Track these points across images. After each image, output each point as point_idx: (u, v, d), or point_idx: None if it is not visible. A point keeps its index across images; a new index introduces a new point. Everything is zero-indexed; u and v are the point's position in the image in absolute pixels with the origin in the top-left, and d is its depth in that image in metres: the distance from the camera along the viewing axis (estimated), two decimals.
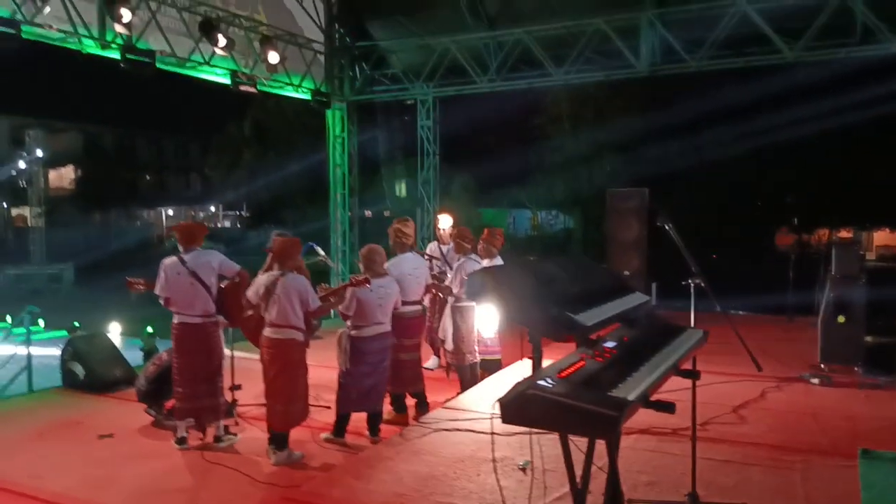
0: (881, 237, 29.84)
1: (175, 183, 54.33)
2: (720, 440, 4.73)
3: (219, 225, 52.29)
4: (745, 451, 4.62)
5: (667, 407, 2.35)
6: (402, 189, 14.14)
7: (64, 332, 12.35)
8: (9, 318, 11.97)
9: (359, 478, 4.28)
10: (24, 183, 31.98)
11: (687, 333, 3.03)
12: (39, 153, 30.76)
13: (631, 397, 2.10)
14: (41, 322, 19.29)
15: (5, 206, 46.73)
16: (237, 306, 5.48)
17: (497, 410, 4.88)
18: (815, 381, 6.41)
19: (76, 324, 12.57)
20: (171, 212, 51.72)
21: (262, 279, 5.18)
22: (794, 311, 9.69)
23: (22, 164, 31.73)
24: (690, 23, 9.86)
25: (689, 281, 5.57)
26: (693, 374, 2.93)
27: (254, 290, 5.16)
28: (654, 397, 2.31)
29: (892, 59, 9.68)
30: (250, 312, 5.29)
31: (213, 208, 53.03)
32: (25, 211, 37.97)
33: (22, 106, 41.76)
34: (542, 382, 2.11)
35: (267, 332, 5.09)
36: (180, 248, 5.54)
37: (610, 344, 2.62)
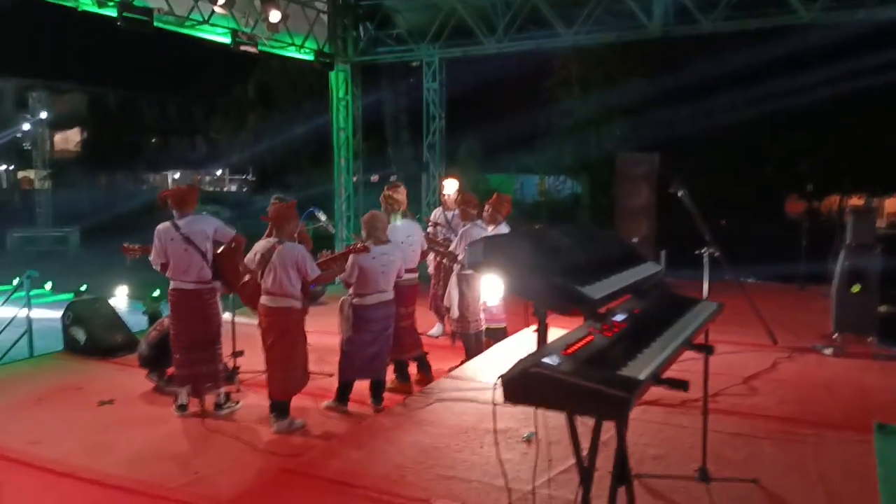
0: (893, 203, 29.46)
1: (180, 146, 54.01)
2: (730, 412, 4.62)
3: (225, 189, 52.11)
4: (756, 424, 4.50)
5: (680, 385, 2.22)
6: (407, 154, 13.92)
7: (71, 295, 12.33)
8: (15, 282, 11.88)
9: (359, 448, 4.19)
10: (29, 145, 31.81)
11: (700, 306, 2.88)
12: (44, 115, 30.55)
13: (642, 376, 1.96)
14: (48, 285, 19.36)
15: (11, 168, 46.67)
16: (234, 272, 5.36)
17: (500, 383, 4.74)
18: (828, 351, 6.28)
19: (83, 287, 12.53)
20: (177, 175, 51.51)
21: (259, 245, 5.06)
22: (806, 280, 9.53)
23: (26, 126, 31.50)
24: None
25: (703, 251, 5.38)
26: (707, 349, 2.79)
27: (251, 257, 5.05)
28: (666, 373, 2.18)
29: None
30: (248, 278, 5.18)
31: (218, 172, 52.78)
32: (31, 174, 37.87)
33: (26, 67, 41.44)
34: (546, 360, 1.98)
35: (263, 299, 4.97)
36: (174, 214, 5.41)
37: (619, 317, 2.47)
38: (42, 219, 31.20)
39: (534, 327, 2.57)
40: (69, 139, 47.89)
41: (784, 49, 17.84)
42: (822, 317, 7.20)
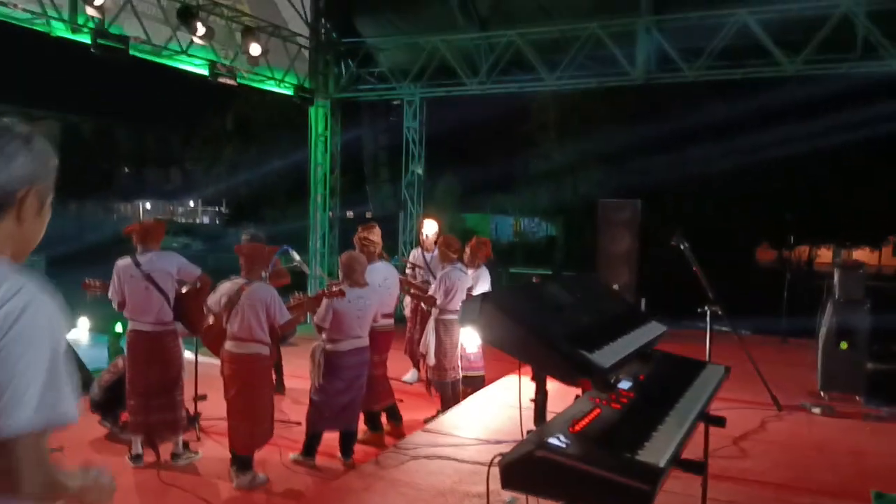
0: (861, 256, 29.90)
1: (154, 176, 53.38)
2: (723, 477, 4.36)
3: (197, 220, 51.48)
4: (751, 491, 4.25)
5: (697, 468, 1.97)
6: (385, 192, 13.71)
7: None
8: None
9: None
10: None
11: (708, 371, 2.65)
12: None
13: (663, 462, 1.71)
14: None
15: None
16: (198, 314, 5.03)
17: (482, 436, 4.44)
18: (817, 410, 6.07)
19: None
20: (148, 205, 50.86)
21: (224, 287, 4.72)
22: (788, 333, 9.39)
23: None
24: (688, 31, 9.56)
25: (706, 307, 5.17)
26: (720, 421, 2.54)
27: (215, 299, 4.69)
28: None
29: (891, 77, 9.47)
30: (212, 321, 4.83)
31: (192, 203, 52.20)
32: None
33: (2, 92, 40.84)
34: (553, 441, 1.71)
35: (228, 345, 4.63)
36: (137, 249, 5.08)
37: (625, 385, 2.23)
38: None
39: (514, 378, 2.31)
40: None
41: (762, 100, 18.14)
42: (807, 372, 7.02)
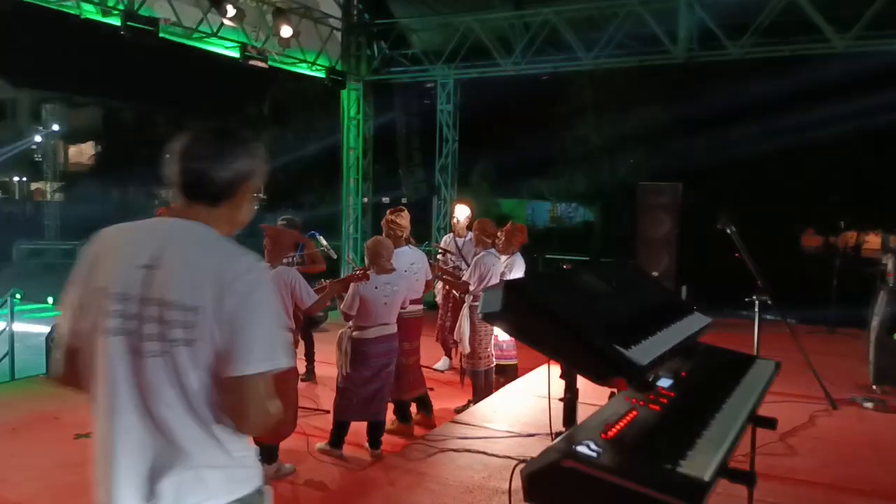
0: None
1: None
2: (769, 475, 4.10)
3: None
4: (799, 492, 4.00)
5: (746, 478, 1.76)
6: (418, 176, 13.57)
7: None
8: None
9: None
10: (40, 157, 31.76)
11: (757, 367, 2.42)
12: (56, 127, 30.53)
13: (708, 476, 1.50)
14: (50, 300, 19.02)
15: (24, 179, 46.71)
16: None
17: (514, 429, 4.23)
18: (869, 405, 5.75)
19: None
20: None
21: None
22: (836, 323, 9.00)
23: (38, 138, 31.50)
24: (732, 7, 9.17)
25: (754, 297, 4.89)
26: (771, 423, 2.32)
27: None
28: None
29: None
30: None
31: None
32: (44, 185, 37.88)
33: (43, 79, 41.63)
34: (582, 449, 1.52)
35: None
36: None
37: (665, 383, 2.02)
38: (50, 231, 31.04)
39: (551, 369, 2.12)
40: (83, 152, 47.94)
41: (807, 79, 17.45)
42: (857, 364, 6.67)
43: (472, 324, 6.02)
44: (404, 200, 16.85)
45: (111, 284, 1.67)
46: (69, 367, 1.79)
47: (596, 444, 1.55)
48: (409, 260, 5.65)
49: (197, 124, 1.88)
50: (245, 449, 1.76)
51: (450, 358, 7.46)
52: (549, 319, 1.76)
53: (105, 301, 1.66)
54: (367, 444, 5.05)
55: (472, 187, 25.12)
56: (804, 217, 22.05)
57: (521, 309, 1.79)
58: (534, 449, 3.92)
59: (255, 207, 1.90)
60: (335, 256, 6.53)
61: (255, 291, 1.64)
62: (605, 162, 25.12)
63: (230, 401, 1.64)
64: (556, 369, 2.31)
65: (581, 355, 1.74)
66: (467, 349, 6.06)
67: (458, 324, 6.43)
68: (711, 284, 9.29)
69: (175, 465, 1.65)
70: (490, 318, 1.83)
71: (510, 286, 1.85)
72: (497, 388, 6.17)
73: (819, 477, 4.29)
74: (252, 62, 9.39)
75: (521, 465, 1.56)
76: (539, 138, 25.18)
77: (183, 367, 1.62)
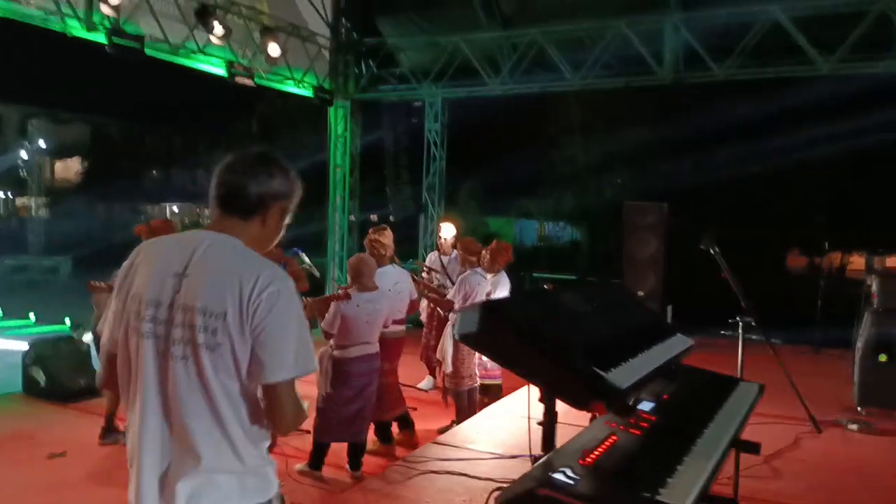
0: (894, 262, 28.97)
1: (180, 178, 53.73)
2: (754, 499, 4.04)
3: None
4: None
5: None
6: (405, 194, 13.54)
7: (54, 328, 11.77)
8: None
9: None
10: (25, 172, 31.53)
11: (740, 389, 2.38)
12: (42, 143, 30.35)
13: (688, 503, 1.45)
14: (32, 316, 18.74)
15: (10, 195, 46.33)
16: None
17: (497, 450, 4.17)
18: (854, 426, 5.71)
19: (67, 319, 11.96)
20: (175, 208, 51.14)
21: None
22: (821, 344, 9.00)
23: (24, 154, 31.28)
24: (718, 29, 9.24)
25: (737, 318, 4.86)
26: (754, 448, 2.27)
27: None
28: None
29: None
30: None
31: None
32: (29, 200, 37.57)
33: (30, 95, 41.36)
34: (559, 476, 1.47)
35: None
36: None
37: (646, 406, 1.97)
38: (34, 247, 30.73)
39: (528, 391, 2.08)
40: (69, 168, 47.64)
41: (792, 101, 17.62)
42: (842, 385, 6.66)
43: (456, 343, 5.95)
44: (391, 218, 16.83)
45: (146, 291, 1.80)
46: (109, 371, 1.92)
47: (573, 472, 1.50)
48: (393, 279, 5.60)
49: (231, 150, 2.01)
50: (261, 458, 1.84)
51: (434, 377, 7.38)
52: (527, 341, 1.72)
53: (140, 307, 1.80)
54: (347, 466, 4.97)
55: (460, 206, 25.12)
56: (789, 238, 22.16)
57: (499, 330, 1.74)
58: (515, 471, 3.85)
59: (282, 230, 2.01)
60: (318, 275, 6.46)
61: (278, 302, 1.75)
62: (592, 181, 25.24)
63: (266, 405, 1.79)
64: (536, 391, 2.27)
65: (559, 378, 1.69)
66: (449, 368, 5.99)
67: (440, 342, 6.37)
68: (697, 305, 9.28)
69: (190, 467, 1.74)
70: (467, 340, 1.78)
71: (487, 307, 1.81)
72: (481, 408, 6.09)
73: (805, 501, 4.24)
74: (239, 80, 9.35)
75: (497, 493, 1.51)
76: (527, 157, 25.26)
77: (205, 371, 1.73)
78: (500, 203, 29.18)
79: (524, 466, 4.67)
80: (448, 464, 4.55)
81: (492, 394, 6.36)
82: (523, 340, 1.71)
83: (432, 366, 7.27)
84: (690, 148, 21.00)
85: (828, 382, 6.94)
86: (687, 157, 21.43)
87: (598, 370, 1.71)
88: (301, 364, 1.78)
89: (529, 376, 1.77)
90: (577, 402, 1.69)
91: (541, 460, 1.65)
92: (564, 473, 1.48)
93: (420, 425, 5.84)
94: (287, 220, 2.00)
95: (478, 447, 5.01)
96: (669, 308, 8.87)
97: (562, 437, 1.92)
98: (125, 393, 1.85)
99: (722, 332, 7.64)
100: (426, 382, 7.49)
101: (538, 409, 2.01)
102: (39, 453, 5.30)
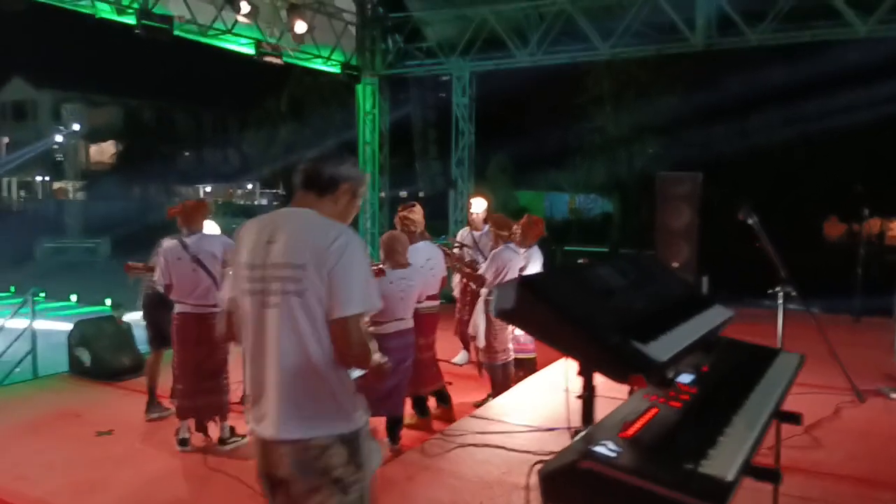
0: None
1: (213, 159, 54.24)
2: (795, 469, 4.02)
3: (255, 202, 52.20)
4: (826, 486, 3.92)
5: (772, 476, 1.70)
6: (435, 170, 13.51)
7: (95, 308, 12.05)
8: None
9: None
10: (62, 156, 32.07)
11: (781, 360, 2.36)
12: (76, 127, 30.83)
13: (731, 475, 1.45)
14: (73, 297, 19.19)
15: (48, 178, 47.27)
16: None
17: (533, 423, 4.18)
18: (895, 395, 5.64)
19: (108, 300, 12.23)
20: (208, 188, 51.73)
21: None
22: (861, 312, 8.84)
23: (59, 138, 31.80)
24: None
25: (777, 289, 4.79)
26: (795, 419, 2.26)
27: None
28: None
29: None
30: None
31: (249, 185, 52.88)
32: (66, 184, 38.27)
33: (63, 80, 41.96)
34: (600, 449, 1.48)
35: None
36: (182, 231, 5.03)
37: (686, 379, 1.97)
38: (73, 229, 31.37)
39: (567, 364, 2.09)
40: (104, 151, 48.39)
41: (828, 64, 17.13)
42: (883, 354, 6.54)
43: (488, 318, 5.96)
44: (420, 194, 16.81)
45: (247, 258, 2.26)
46: (228, 326, 2.39)
47: (615, 444, 1.51)
48: (425, 255, 5.61)
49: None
50: (346, 394, 2.24)
51: (468, 352, 7.42)
52: (564, 316, 1.72)
53: (243, 272, 2.27)
54: (385, 439, 5.03)
55: (489, 180, 25.02)
56: (826, 205, 21.71)
57: (536, 306, 1.74)
58: (553, 444, 3.89)
59: (355, 211, 2.45)
60: None
61: (346, 252, 2.16)
62: (622, 152, 24.93)
63: (337, 338, 2.16)
64: (574, 364, 2.27)
65: (598, 352, 1.69)
66: (482, 343, 6.01)
67: (473, 318, 6.39)
68: (733, 275, 9.17)
69: (283, 396, 2.17)
70: (503, 316, 1.78)
71: (524, 283, 1.81)
72: (516, 382, 6.12)
73: (846, 470, 4.20)
74: (267, 59, 9.39)
75: (539, 465, 1.52)
76: (556, 129, 25.02)
77: (295, 313, 2.15)
78: (530, 176, 29.00)
79: (561, 439, 4.70)
80: (485, 437, 4.60)
81: (526, 367, 6.37)
82: (561, 315, 1.71)
83: (466, 341, 7.30)
84: (723, 116, 20.62)
85: (868, 351, 6.82)
86: (719, 125, 21.04)
87: (636, 343, 1.70)
88: (366, 301, 2.19)
89: (568, 351, 1.77)
90: (616, 376, 1.69)
91: (581, 433, 1.66)
92: (606, 446, 1.49)
93: (456, 399, 5.88)
94: (357, 203, 2.43)
95: (514, 420, 5.05)
96: (705, 279, 8.76)
97: (601, 410, 1.93)
98: (244, 341, 2.30)
99: (763, 302, 7.55)
100: (461, 357, 7.53)
101: (575, 382, 2.02)
102: (87, 431, 5.45)
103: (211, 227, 5.59)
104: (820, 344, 5.57)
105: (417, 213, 5.67)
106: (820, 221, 23.61)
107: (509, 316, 1.77)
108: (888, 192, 20.51)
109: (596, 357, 1.71)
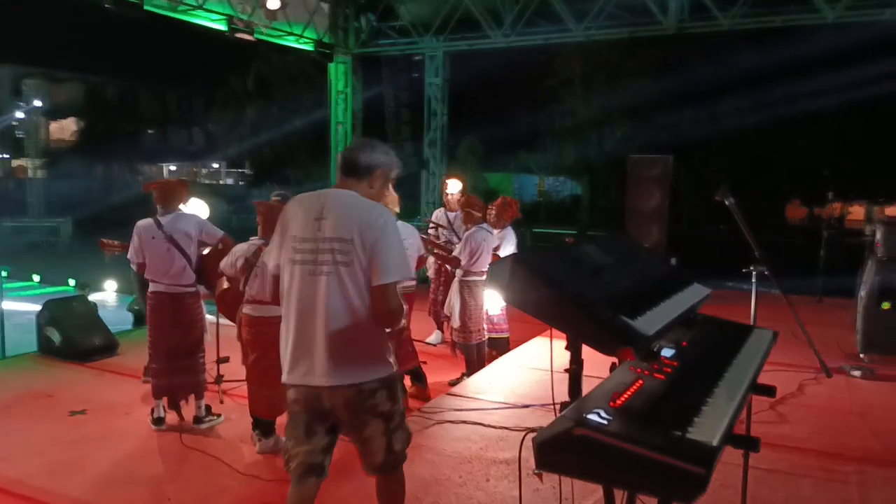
0: (893, 211, 28.91)
1: (178, 137, 53.36)
2: (763, 443, 4.16)
3: (221, 182, 51.49)
4: (792, 459, 4.07)
5: (751, 444, 1.79)
6: (407, 150, 13.48)
7: (57, 289, 11.84)
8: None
9: (349, 480, 3.74)
10: (23, 134, 31.23)
11: (755, 336, 2.46)
12: (38, 103, 30.03)
13: (716, 441, 1.53)
14: (35, 277, 18.77)
15: (6, 156, 46.05)
16: (218, 276, 4.91)
17: (508, 400, 4.28)
18: (857, 373, 5.84)
19: (71, 280, 12.00)
20: (173, 167, 50.86)
21: (240, 249, 4.54)
22: (823, 293, 9.10)
23: (20, 115, 30.95)
24: None
25: (751, 268, 4.92)
26: (770, 391, 2.36)
27: (230, 262, 4.52)
28: None
29: None
30: (226, 285, 4.67)
31: (215, 164, 52.14)
32: (25, 162, 37.30)
33: (23, 55, 40.79)
34: (592, 417, 1.54)
35: (247, 309, 4.48)
36: (158, 209, 4.97)
37: (668, 353, 2.04)
38: (34, 209, 30.63)
39: (541, 340, 2.16)
40: (65, 128, 47.22)
41: (795, 50, 17.40)
42: (845, 333, 6.78)
43: (463, 299, 6.04)
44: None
45: (297, 232, 2.64)
46: (274, 289, 3.01)
47: (606, 413, 1.57)
48: (402, 236, 5.63)
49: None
50: (384, 347, 2.69)
51: (441, 332, 7.49)
52: (557, 292, 1.77)
53: (294, 244, 2.64)
54: None
55: (459, 161, 25.02)
56: (790, 188, 22.17)
57: (529, 282, 1.79)
58: (527, 420, 3.97)
59: (388, 193, 2.87)
60: None
61: (386, 228, 2.60)
62: (592, 135, 25.09)
63: (376, 302, 2.56)
64: (555, 342, 2.34)
65: (588, 326, 1.75)
66: (457, 323, 6.08)
67: (448, 298, 6.45)
68: (700, 257, 9.35)
69: (332, 351, 2.58)
70: (498, 290, 1.83)
71: (517, 259, 1.86)
72: (490, 361, 6.21)
73: (811, 444, 4.36)
74: (239, 35, 9.27)
75: (532, 434, 1.58)
76: (526, 112, 25.08)
77: (343, 281, 2.56)
78: (500, 158, 29.05)
79: (534, 415, 4.81)
80: (462, 414, 4.67)
81: (500, 347, 6.47)
82: (553, 291, 1.77)
83: (440, 321, 7.37)
84: (692, 100, 20.84)
85: (831, 331, 7.05)
86: (689, 108, 21.27)
87: (625, 318, 1.77)
88: (402, 271, 2.61)
89: (558, 325, 1.83)
90: (605, 349, 1.76)
91: (573, 403, 1.72)
92: (598, 415, 1.55)
93: (431, 378, 5.94)
94: (390, 186, 2.87)
95: (489, 397, 5.13)
96: (673, 260, 8.93)
97: (580, 387, 2.00)
98: (284, 302, 2.70)
99: (726, 283, 7.73)
100: (434, 337, 7.60)
101: (548, 361, 2.11)
102: (60, 411, 5.40)
103: (200, 206, 5.53)
104: (784, 323, 5.73)
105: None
106: (782, 204, 24.12)
107: (503, 291, 1.82)
108: (853, 177, 21.03)
109: (586, 331, 1.77)
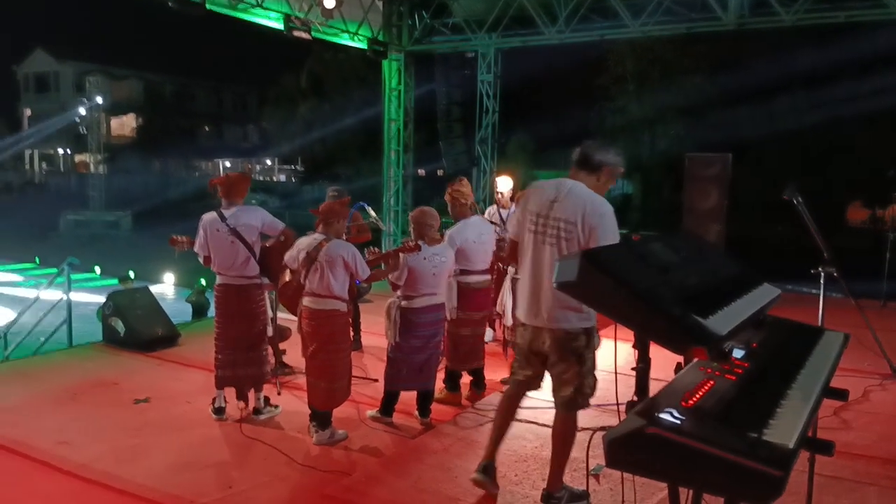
0: None
1: (232, 134, 54.55)
2: None
3: (274, 178, 52.37)
4: (857, 467, 3.96)
5: (825, 448, 1.75)
6: (458, 148, 13.48)
7: (117, 281, 12.23)
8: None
9: (406, 475, 3.78)
10: (84, 129, 32.23)
11: (827, 338, 2.40)
12: (100, 100, 30.95)
13: (792, 443, 1.50)
14: (97, 269, 19.41)
15: (69, 151, 47.65)
16: (281, 268, 5.02)
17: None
18: None
19: (130, 273, 12.40)
20: (227, 163, 51.95)
21: (303, 242, 4.64)
22: (888, 297, 8.81)
23: (83, 111, 31.94)
24: None
25: (819, 269, 4.79)
26: (842, 395, 2.31)
27: (293, 255, 4.62)
28: None
29: None
30: (289, 277, 4.77)
31: (269, 161, 53.07)
32: (87, 157, 38.52)
33: (86, 52, 42.18)
34: (665, 416, 1.53)
35: (306, 301, 4.57)
36: (222, 203, 5.09)
37: (738, 354, 2.01)
38: (95, 202, 31.63)
39: (615, 343, 2.13)
40: (125, 124, 48.72)
41: (856, 48, 16.84)
42: None
43: (514, 296, 6.01)
44: (440, 173, 16.76)
45: (535, 208, 3.44)
46: (511, 252, 3.67)
47: (678, 412, 1.56)
48: (478, 230, 5.65)
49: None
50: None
51: (493, 330, 7.48)
52: (626, 289, 1.76)
53: (531, 217, 3.44)
54: (416, 412, 5.12)
55: (509, 159, 24.93)
56: (852, 189, 21.45)
57: (597, 278, 1.79)
58: (583, 420, 3.95)
59: (609, 187, 3.53)
60: (384, 228, 6.57)
61: (604, 216, 3.31)
62: (645, 133, 24.73)
63: None
64: (616, 343, 2.33)
65: (658, 325, 1.74)
66: (510, 321, 6.06)
67: (499, 296, 6.44)
68: (759, 257, 9.13)
69: (551, 302, 3.34)
70: (565, 288, 1.83)
71: (586, 256, 1.85)
72: None
73: (877, 451, 4.24)
74: (296, 33, 9.41)
75: (603, 433, 1.58)
76: (577, 109, 24.83)
77: (562, 251, 3.30)
78: (551, 156, 28.81)
79: (589, 414, 4.77)
80: (517, 412, 4.65)
81: None
82: (622, 288, 1.76)
83: (492, 318, 7.36)
84: (749, 98, 20.35)
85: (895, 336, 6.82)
86: (745, 106, 20.78)
87: (696, 317, 1.75)
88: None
89: (626, 322, 1.82)
90: (675, 348, 1.74)
91: (642, 402, 1.71)
92: (671, 414, 1.54)
93: (484, 377, 5.93)
94: (613, 182, 3.54)
95: (543, 396, 5.09)
96: None
97: (628, 388, 1.98)
98: (521, 261, 3.52)
99: (786, 285, 7.54)
100: (487, 335, 7.57)
101: (604, 361, 2.08)
102: (125, 398, 5.58)
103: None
104: (847, 327, 5.56)
105: (466, 186, 5.71)
106: (841, 205, 23.36)
107: (571, 288, 1.82)
108: None
109: (656, 329, 1.75)
